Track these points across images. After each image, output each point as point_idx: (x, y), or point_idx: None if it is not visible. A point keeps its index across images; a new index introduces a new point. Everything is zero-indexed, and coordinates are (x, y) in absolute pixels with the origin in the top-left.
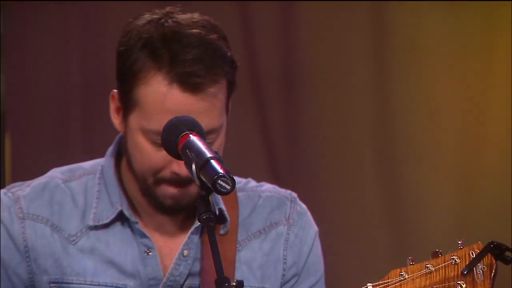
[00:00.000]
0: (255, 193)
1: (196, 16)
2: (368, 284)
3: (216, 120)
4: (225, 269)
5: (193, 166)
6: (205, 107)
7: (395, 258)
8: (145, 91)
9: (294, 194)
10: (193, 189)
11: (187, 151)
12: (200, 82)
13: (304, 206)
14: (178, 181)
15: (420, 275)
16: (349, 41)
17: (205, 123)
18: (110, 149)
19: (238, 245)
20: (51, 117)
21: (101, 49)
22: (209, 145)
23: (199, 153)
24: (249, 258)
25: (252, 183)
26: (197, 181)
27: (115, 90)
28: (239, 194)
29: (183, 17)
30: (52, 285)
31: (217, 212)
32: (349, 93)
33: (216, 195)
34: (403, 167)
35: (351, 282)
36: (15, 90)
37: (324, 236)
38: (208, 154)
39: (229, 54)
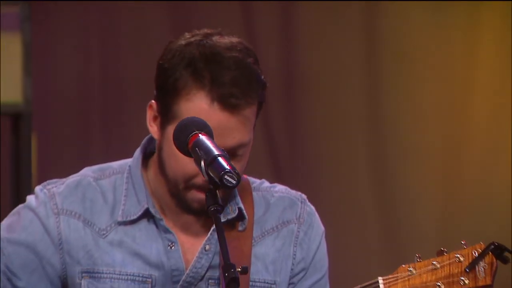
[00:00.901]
0: (269, 193)
1: (234, 40)
2: (379, 278)
3: (247, 136)
4: (242, 262)
5: (202, 163)
6: (239, 125)
7: (387, 250)
8: (187, 106)
9: (304, 196)
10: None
11: (197, 149)
12: (237, 104)
13: (312, 207)
14: (207, 188)
15: (426, 271)
16: (343, 49)
17: (237, 138)
18: (138, 151)
19: (253, 241)
20: (74, 119)
21: (121, 53)
22: (216, 144)
23: (208, 150)
24: (263, 253)
25: (266, 183)
26: (205, 176)
27: (153, 101)
28: (254, 194)
29: (222, 40)
30: (84, 274)
31: (237, 211)
32: (344, 97)
33: (237, 196)
34: (392, 165)
35: (346, 273)
36: (41, 94)
37: (322, 221)
38: (216, 152)
39: (262, 77)
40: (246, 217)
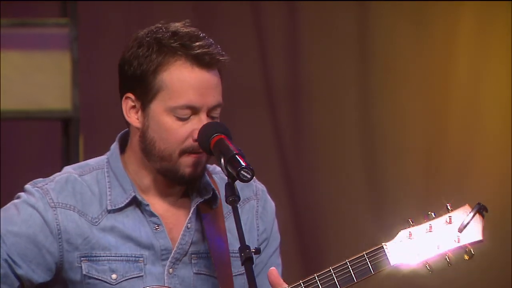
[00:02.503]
0: (224, 174)
1: (185, 22)
2: (383, 243)
3: (220, 98)
4: (221, 235)
5: (222, 160)
6: (216, 83)
7: (378, 228)
8: (169, 76)
9: None
10: (204, 157)
11: (218, 148)
12: (211, 60)
13: (262, 184)
14: (197, 149)
15: (423, 233)
16: (339, 62)
17: (215, 97)
18: (114, 146)
19: (224, 218)
20: (115, 123)
21: None
22: (234, 144)
23: (227, 149)
24: (233, 228)
25: (217, 168)
26: (224, 171)
27: (127, 94)
28: (214, 176)
29: (173, 23)
30: (83, 259)
31: (211, 193)
32: (340, 103)
33: (209, 179)
34: (381, 161)
35: (342, 246)
36: (87, 102)
37: (321, 210)
38: (234, 151)
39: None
40: (219, 196)
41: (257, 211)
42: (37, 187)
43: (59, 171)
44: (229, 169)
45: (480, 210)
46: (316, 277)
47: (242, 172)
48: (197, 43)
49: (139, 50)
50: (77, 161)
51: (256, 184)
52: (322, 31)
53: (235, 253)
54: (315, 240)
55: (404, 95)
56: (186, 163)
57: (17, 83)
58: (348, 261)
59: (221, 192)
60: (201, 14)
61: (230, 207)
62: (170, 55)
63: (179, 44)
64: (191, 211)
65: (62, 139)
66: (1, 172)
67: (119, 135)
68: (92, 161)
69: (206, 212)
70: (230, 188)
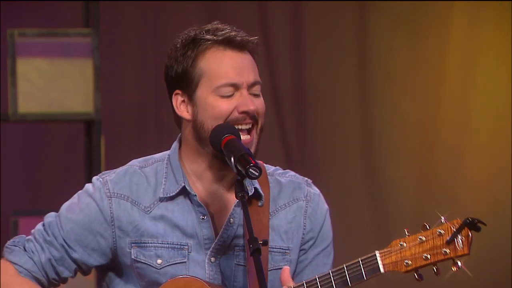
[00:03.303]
0: (281, 177)
1: (215, 22)
2: (376, 251)
3: (258, 75)
4: (262, 232)
5: (232, 159)
6: (250, 63)
7: (375, 225)
8: (207, 62)
9: (310, 180)
10: (255, 135)
11: (228, 147)
12: (242, 41)
13: (317, 189)
14: (243, 120)
15: (415, 244)
16: (341, 69)
17: (253, 75)
18: (175, 143)
19: (270, 215)
20: (134, 125)
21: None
22: (242, 143)
23: (236, 149)
24: (278, 225)
25: (279, 170)
26: (234, 169)
27: (176, 91)
28: (269, 177)
29: (206, 25)
30: (133, 245)
31: (253, 190)
32: (342, 106)
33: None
34: (379, 160)
35: (342, 238)
36: (108, 105)
37: None
38: (243, 150)
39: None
40: (262, 194)
41: (305, 212)
42: (101, 177)
43: (82, 168)
44: (239, 167)
45: (469, 225)
46: (317, 278)
47: (250, 170)
48: (226, 31)
49: (177, 53)
50: (99, 160)
51: (310, 188)
52: (325, 42)
53: (274, 248)
54: None
55: (400, 99)
56: None
57: (43, 88)
58: (345, 266)
59: (272, 192)
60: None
61: (278, 205)
62: (203, 45)
63: (210, 35)
64: (233, 206)
65: (85, 140)
66: (30, 169)
67: (178, 136)
68: (157, 155)
69: (251, 207)
70: (240, 185)
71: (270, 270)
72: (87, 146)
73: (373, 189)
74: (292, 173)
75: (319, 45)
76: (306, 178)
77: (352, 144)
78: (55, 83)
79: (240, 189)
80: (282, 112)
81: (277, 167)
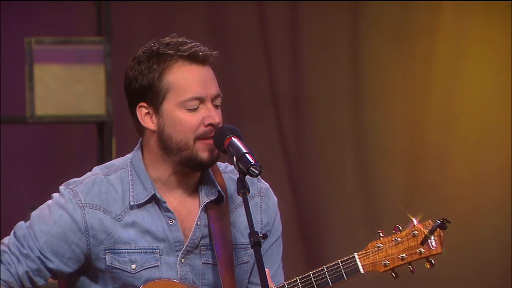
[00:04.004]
0: (233, 174)
1: (172, 36)
2: (355, 253)
3: (218, 87)
4: (226, 230)
5: (234, 158)
6: (212, 76)
7: (366, 220)
8: (173, 77)
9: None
10: None
11: (230, 147)
12: (204, 56)
13: (266, 183)
14: (210, 133)
15: (391, 246)
16: (335, 75)
17: (215, 88)
18: (137, 148)
19: (230, 213)
20: None
21: None
22: (244, 144)
23: (238, 149)
24: (238, 222)
25: (229, 167)
26: (236, 168)
27: (139, 104)
28: (223, 175)
29: (164, 38)
30: (107, 251)
31: (217, 194)
32: (336, 109)
33: (215, 181)
34: (370, 160)
35: (338, 235)
36: (119, 108)
37: (320, 204)
38: (244, 150)
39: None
40: (224, 195)
41: (260, 207)
42: (68, 188)
43: (95, 166)
44: (240, 166)
45: (441, 226)
46: (298, 279)
47: (251, 168)
48: (189, 46)
49: (141, 66)
50: (111, 159)
51: (260, 184)
52: (320, 49)
53: (238, 244)
54: (315, 231)
55: (389, 102)
56: (202, 148)
57: (59, 92)
58: (325, 268)
59: (229, 190)
60: (218, 43)
61: (236, 202)
62: (168, 60)
63: (174, 50)
64: (200, 210)
65: (97, 140)
66: (46, 167)
67: (139, 141)
68: (117, 161)
69: (213, 209)
70: (241, 182)
71: (237, 265)
72: (99, 146)
73: (365, 186)
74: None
75: (314, 52)
76: None
77: (345, 144)
78: (69, 87)
79: (241, 186)
80: (280, 115)
81: (226, 163)
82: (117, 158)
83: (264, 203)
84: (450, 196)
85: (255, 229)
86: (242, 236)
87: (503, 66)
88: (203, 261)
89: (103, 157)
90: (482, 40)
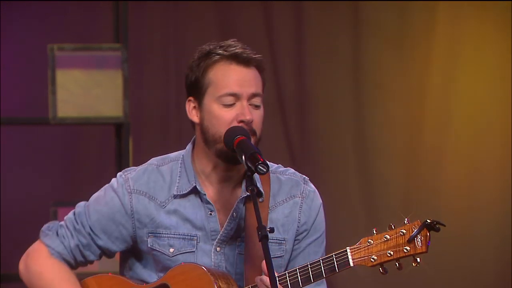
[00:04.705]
0: (281, 175)
1: (232, 40)
2: (347, 248)
3: (260, 89)
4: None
5: (243, 156)
6: (253, 77)
7: (365, 214)
8: (214, 74)
9: (307, 178)
10: (251, 140)
11: (240, 147)
12: (247, 58)
13: (313, 186)
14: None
15: (380, 242)
16: (337, 78)
17: (254, 87)
18: (189, 145)
19: (269, 210)
20: (158, 127)
21: None
22: (253, 144)
23: (247, 148)
24: (276, 218)
25: (281, 167)
26: (245, 166)
27: (189, 97)
28: (271, 175)
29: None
30: (149, 234)
31: (255, 190)
32: (338, 108)
33: (257, 178)
34: (370, 156)
35: (339, 227)
36: (135, 110)
37: (322, 198)
38: (253, 149)
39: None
40: (263, 192)
41: (300, 207)
42: (124, 174)
43: (113, 164)
44: (249, 164)
45: (427, 226)
46: (297, 269)
47: (259, 166)
48: (235, 47)
49: (193, 63)
50: (127, 158)
51: (306, 186)
52: (324, 54)
53: (272, 239)
54: None
55: (388, 104)
56: None
57: (79, 95)
58: (321, 259)
59: (272, 188)
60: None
61: (277, 200)
62: (213, 59)
63: (222, 50)
64: (236, 202)
65: (115, 140)
66: (67, 166)
67: (193, 137)
68: (172, 154)
69: (251, 204)
70: (250, 180)
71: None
72: (117, 146)
73: (365, 183)
74: (292, 170)
75: (318, 57)
76: (304, 176)
77: (346, 143)
78: (89, 91)
79: (250, 183)
80: (286, 115)
81: (279, 164)
82: (134, 157)
83: (306, 204)
84: (446, 194)
85: (292, 226)
86: (278, 232)
87: (496, 69)
88: (237, 251)
89: (120, 156)
90: (475, 45)
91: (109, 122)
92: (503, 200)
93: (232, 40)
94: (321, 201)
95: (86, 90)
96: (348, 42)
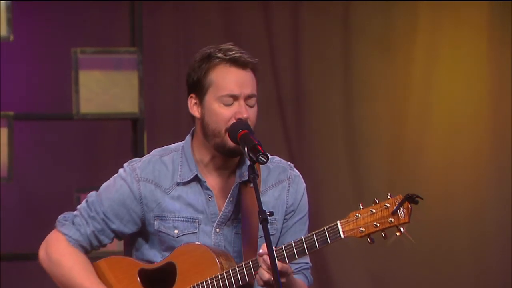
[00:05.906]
0: (270, 163)
1: (230, 44)
2: (337, 221)
3: (255, 89)
4: (255, 207)
5: (246, 148)
6: (250, 79)
7: (354, 199)
8: (215, 75)
9: (292, 164)
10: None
11: (243, 139)
12: (245, 62)
13: (297, 171)
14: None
15: (367, 215)
16: (329, 77)
17: (250, 89)
18: (188, 136)
19: (261, 194)
20: (171, 123)
21: None
22: (254, 136)
23: (249, 140)
24: (267, 201)
25: (276, 158)
26: (247, 157)
27: (191, 94)
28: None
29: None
30: (155, 217)
31: (248, 177)
32: (330, 106)
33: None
34: (359, 148)
35: (333, 211)
36: (150, 107)
37: (314, 186)
38: (254, 142)
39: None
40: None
41: (288, 190)
42: (130, 165)
43: (130, 156)
44: (251, 155)
45: (409, 199)
46: (292, 243)
47: (260, 157)
48: (234, 52)
49: (195, 64)
50: (142, 151)
51: (292, 171)
52: (317, 56)
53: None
54: (315, 207)
55: (375, 101)
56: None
57: (99, 93)
58: (314, 233)
59: (262, 175)
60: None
61: (267, 185)
62: (214, 61)
63: (221, 54)
64: (232, 188)
65: (131, 134)
66: (89, 156)
67: (191, 129)
68: (173, 146)
69: (245, 189)
70: (251, 169)
71: (259, 237)
72: (133, 139)
73: (354, 169)
74: (278, 158)
75: (312, 59)
76: (289, 163)
77: (338, 135)
78: (108, 90)
79: (252, 172)
80: (284, 110)
81: (274, 156)
82: (148, 149)
83: (292, 187)
84: (425, 180)
85: (281, 207)
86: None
87: (472, 68)
88: (234, 232)
89: (136, 149)
90: (453, 46)
91: (126, 117)
92: (476, 187)
93: (229, 44)
94: (305, 184)
95: (105, 89)
96: (339, 46)
